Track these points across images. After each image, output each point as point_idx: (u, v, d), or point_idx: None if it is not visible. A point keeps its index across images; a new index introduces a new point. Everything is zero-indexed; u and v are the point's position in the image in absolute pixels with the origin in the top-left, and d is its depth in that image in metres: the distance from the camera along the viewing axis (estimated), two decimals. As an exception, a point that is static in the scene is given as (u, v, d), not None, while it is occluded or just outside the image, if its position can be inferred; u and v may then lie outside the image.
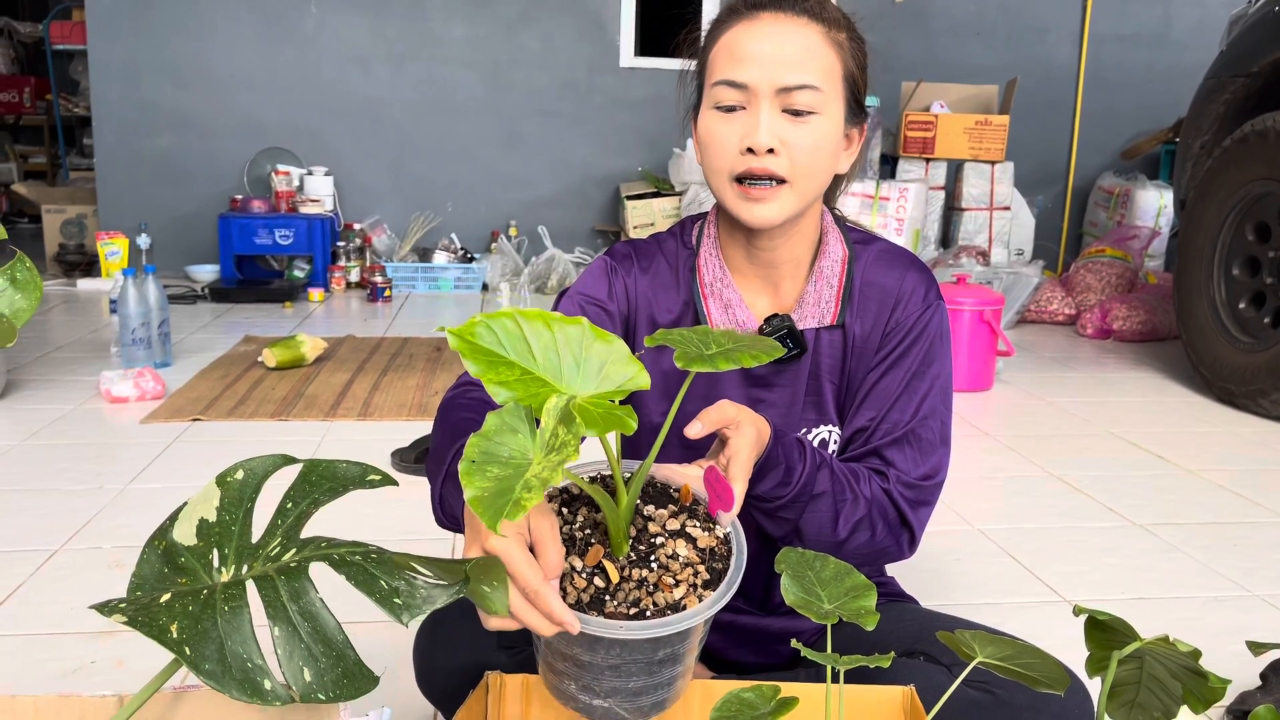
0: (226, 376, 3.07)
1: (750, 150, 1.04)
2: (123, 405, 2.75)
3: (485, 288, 4.84)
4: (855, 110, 1.10)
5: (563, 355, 0.78)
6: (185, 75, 4.91)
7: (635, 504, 0.85)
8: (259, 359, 3.24)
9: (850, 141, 1.12)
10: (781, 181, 1.05)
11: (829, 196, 1.20)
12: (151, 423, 2.61)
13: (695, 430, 0.89)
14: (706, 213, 1.21)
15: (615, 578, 0.82)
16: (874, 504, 1.10)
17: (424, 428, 2.57)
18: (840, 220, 1.21)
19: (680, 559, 0.84)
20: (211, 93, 4.95)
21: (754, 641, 1.26)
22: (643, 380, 0.78)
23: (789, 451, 1.00)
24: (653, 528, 0.86)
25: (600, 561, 0.82)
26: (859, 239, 1.20)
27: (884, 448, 1.14)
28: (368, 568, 0.79)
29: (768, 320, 1.14)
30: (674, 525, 0.87)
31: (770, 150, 1.03)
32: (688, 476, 0.91)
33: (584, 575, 0.83)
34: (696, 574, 0.83)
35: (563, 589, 0.81)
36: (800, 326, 1.14)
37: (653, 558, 0.84)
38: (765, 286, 1.17)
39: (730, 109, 1.05)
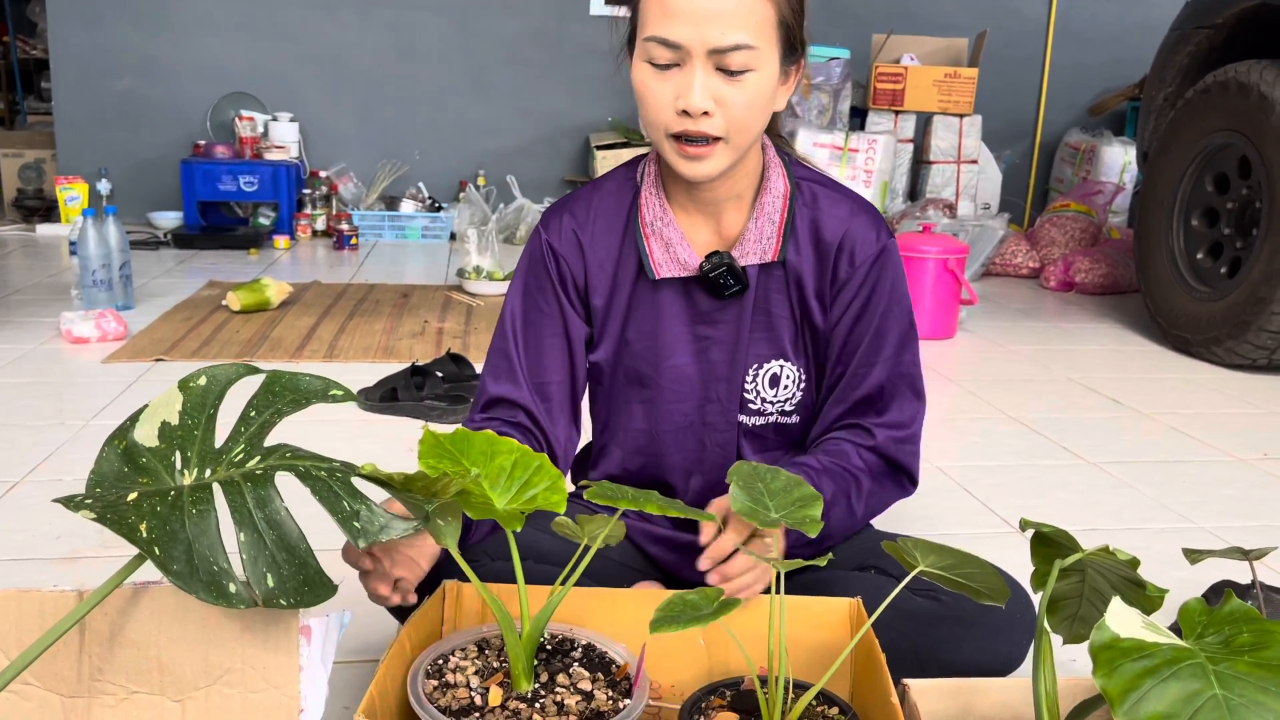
0: (190, 319, 3.05)
1: (685, 111, 1.04)
2: (84, 346, 2.73)
3: (453, 237, 4.82)
4: (790, 50, 1.09)
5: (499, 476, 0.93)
6: (146, 17, 4.80)
7: (538, 643, 0.95)
8: (223, 302, 3.21)
9: (788, 77, 1.11)
10: (718, 139, 1.06)
11: (770, 127, 1.19)
12: (113, 363, 2.59)
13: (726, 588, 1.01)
14: (650, 151, 1.21)
15: (495, 701, 0.90)
16: (871, 472, 1.16)
17: (388, 368, 2.57)
18: (782, 151, 1.21)
19: (564, 708, 0.90)
20: (173, 35, 4.85)
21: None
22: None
23: None
24: (562, 679, 0.95)
25: (489, 685, 0.92)
26: (804, 175, 1.20)
27: (871, 396, 1.17)
28: (332, 485, 0.81)
29: (708, 257, 1.16)
30: (586, 686, 0.94)
31: (705, 112, 1.04)
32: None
33: (474, 690, 0.92)
34: None
35: (461, 695, 0.92)
36: (741, 263, 1.16)
37: (540, 702, 0.91)
38: (707, 221, 1.18)
39: (664, 66, 1.04)
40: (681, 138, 1.06)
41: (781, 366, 1.21)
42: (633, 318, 1.21)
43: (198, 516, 0.75)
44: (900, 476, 1.19)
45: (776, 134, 1.22)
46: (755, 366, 1.20)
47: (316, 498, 0.79)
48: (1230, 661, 0.70)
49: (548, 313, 1.20)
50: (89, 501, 0.75)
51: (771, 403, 1.22)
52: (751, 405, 1.22)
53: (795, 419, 1.24)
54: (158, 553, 0.72)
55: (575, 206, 1.21)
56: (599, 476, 1.30)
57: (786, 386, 1.21)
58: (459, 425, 1.25)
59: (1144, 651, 0.71)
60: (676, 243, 1.16)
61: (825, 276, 1.17)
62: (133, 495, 0.76)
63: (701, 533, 1.05)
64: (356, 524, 0.79)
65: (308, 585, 0.77)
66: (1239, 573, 1.55)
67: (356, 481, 0.84)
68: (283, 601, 0.76)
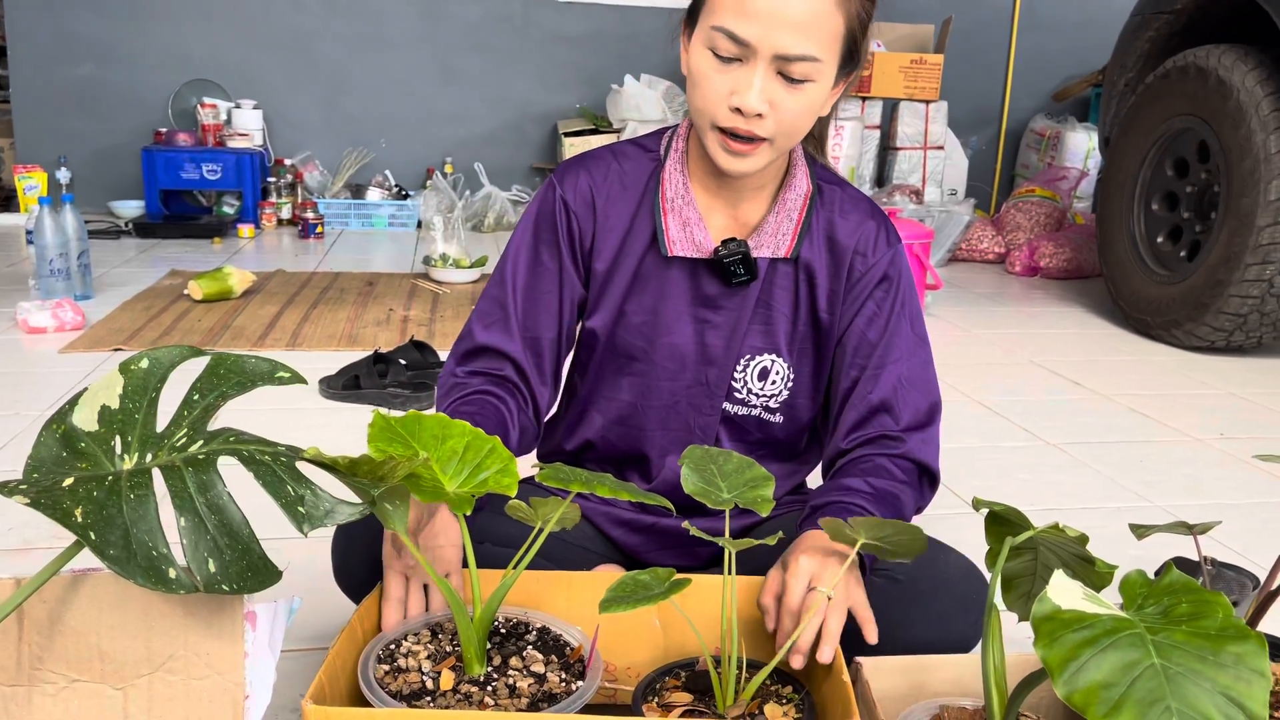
0: (151, 308, 3.01)
1: (739, 109, 1.03)
2: (41, 336, 2.69)
3: (420, 225, 4.78)
4: (848, 62, 1.09)
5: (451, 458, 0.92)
6: (106, 3, 4.72)
7: (491, 626, 0.96)
8: (185, 292, 3.18)
9: (840, 84, 1.11)
10: (764, 140, 1.06)
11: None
12: (71, 353, 2.55)
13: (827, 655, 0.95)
14: (678, 125, 1.21)
15: (446, 685, 0.90)
16: (910, 482, 1.16)
17: (352, 357, 2.55)
18: (809, 155, 1.22)
19: (516, 690, 0.90)
20: (134, 21, 4.77)
21: (677, 544, 1.29)
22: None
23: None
24: (515, 662, 0.94)
25: (440, 669, 0.92)
26: (824, 178, 1.21)
27: (889, 401, 1.17)
28: (276, 470, 0.79)
29: (724, 243, 1.15)
30: (539, 669, 0.94)
31: (759, 114, 1.03)
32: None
33: (426, 675, 0.91)
34: (520, 708, 0.88)
35: (413, 679, 0.92)
36: (755, 254, 1.16)
37: (492, 685, 0.90)
38: (726, 206, 1.18)
39: (726, 60, 1.03)
40: (729, 133, 1.06)
41: (773, 361, 1.21)
42: (635, 290, 1.19)
43: (136, 501, 0.74)
44: (927, 477, 1.20)
45: (809, 134, 1.22)
46: (748, 357, 1.20)
47: (260, 482, 0.78)
48: (1168, 631, 0.71)
49: (550, 268, 1.19)
50: (24, 487, 0.74)
51: (757, 395, 1.22)
52: (738, 394, 1.22)
53: (778, 418, 1.24)
54: (93, 538, 0.71)
55: (594, 166, 1.20)
56: (576, 442, 1.29)
57: (774, 382, 1.21)
58: (439, 375, 1.24)
59: (1084, 622, 0.71)
60: (694, 223, 1.15)
61: (840, 278, 1.18)
62: (69, 480, 0.74)
63: (763, 594, 1.02)
64: (301, 509, 0.78)
65: (251, 571, 0.76)
66: (1191, 550, 1.57)
67: (303, 466, 0.83)
68: (225, 587, 0.75)
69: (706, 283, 1.18)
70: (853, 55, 1.08)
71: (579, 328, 1.25)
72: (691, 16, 1.09)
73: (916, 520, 1.14)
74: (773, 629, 1.00)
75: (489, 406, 1.16)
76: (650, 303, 1.19)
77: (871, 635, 0.97)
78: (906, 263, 1.21)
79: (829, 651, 0.94)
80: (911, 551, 0.95)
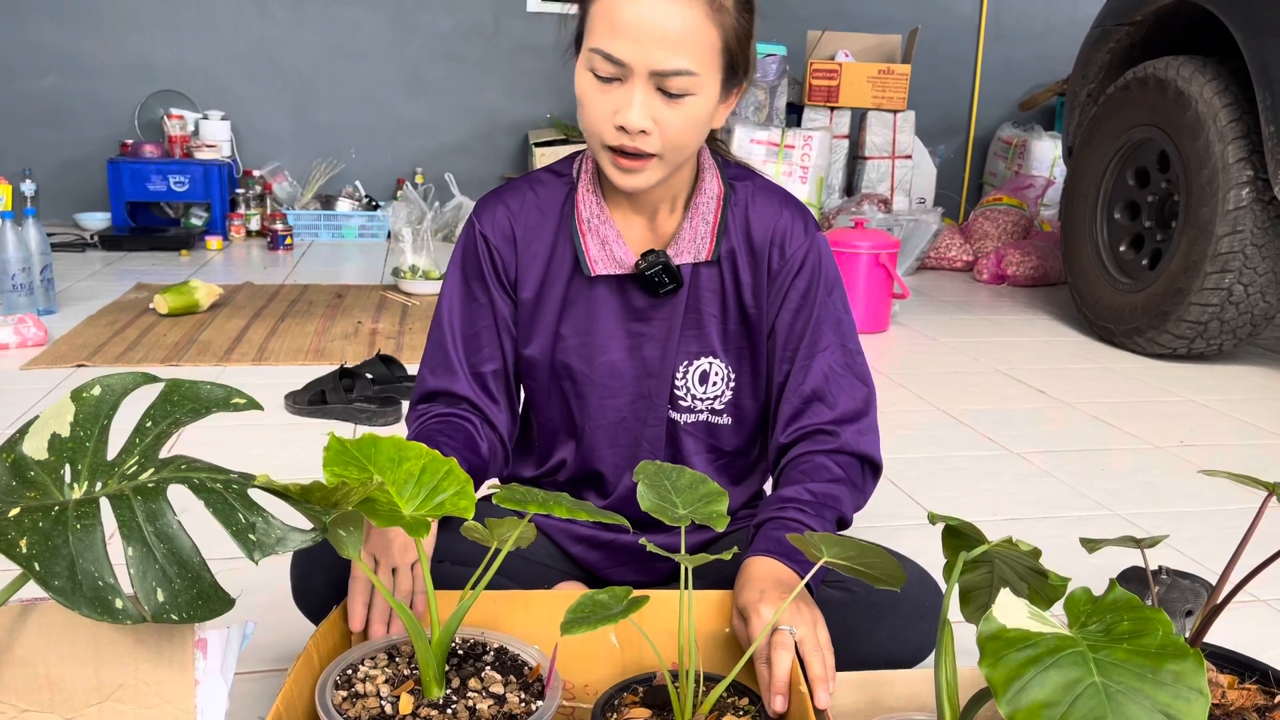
0: (115, 323, 2.98)
1: (622, 127, 1.05)
2: (2, 352, 2.66)
3: (390, 236, 4.77)
4: (732, 75, 1.10)
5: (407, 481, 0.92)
6: (70, 13, 4.68)
7: (449, 648, 0.95)
8: (150, 305, 3.15)
9: (729, 96, 1.12)
10: (652, 155, 1.07)
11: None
12: (33, 369, 2.52)
13: (779, 705, 0.94)
14: (586, 148, 1.21)
15: (405, 709, 0.90)
16: (849, 478, 1.17)
17: (319, 371, 2.54)
18: (717, 153, 1.23)
19: (476, 713, 0.90)
20: (98, 32, 4.73)
21: (635, 560, 1.30)
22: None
23: (797, 557, 1.06)
24: (474, 683, 0.94)
25: (399, 694, 0.92)
26: (735, 175, 1.22)
27: (818, 389, 1.18)
28: (227, 498, 0.79)
29: (643, 256, 1.17)
30: (498, 690, 0.94)
31: (643, 130, 1.05)
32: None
33: (384, 699, 0.91)
34: None
35: (371, 705, 0.91)
36: (676, 262, 1.17)
37: (451, 707, 0.91)
38: (642, 219, 1.20)
39: (606, 80, 1.05)
40: (618, 150, 1.07)
41: (710, 363, 1.22)
42: (567, 313, 1.21)
43: (82, 531, 0.73)
44: (865, 468, 1.21)
45: (712, 136, 1.23)
46: (685, 363, 1.22)
47: (210, 510, 0.78)
48: (1110, 649, 0.72)
49: (483, 302, 1.21)
50: (-32, 517, 0.73)
51: (701, 399, 1.23)
52: (682, 402, 1.23)
53: (726, 419, 1.25)
54: (38, 569, 0.70)
55: (510, 198, 1.21)
56: (535, 470, 1.31)
57: (715, 384, 1.23)
58: (405, 417, 1.26)
59: (1028, 641, 0.72)
60: (613, 240, 1.17)
61: (760, 273, 1.19)
62: (14, 511, 0.74)
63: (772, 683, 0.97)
64: (252, 536, 0.78)
65: (202, 599, 0.76)
66: (1150, 559, 1.60)
67: (256, 492, 0.83)
68: (174, 616, 0.74)
69: (634, 297, 1.20)
70: (734, 68, 1.09)
71: (518, 357, 1.26)
72: (577, 40, 1.10)
73: (878, 522, 1.15)
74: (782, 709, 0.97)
75: (455, 424, 1.19)
76: (582, 324, 1.21)
77: (822, 699, 0.94)
78: (827, 249, 1.22)
79: (823, 697, 0.93)
80: (889, 580, 0.96)
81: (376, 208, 4.86)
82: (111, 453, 0.86)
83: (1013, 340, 3.25)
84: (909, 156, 4.87)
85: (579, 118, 1.11)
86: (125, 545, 0.74)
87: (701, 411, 1.24)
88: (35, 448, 0.83)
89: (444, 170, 5.00)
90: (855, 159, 4.91)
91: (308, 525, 0.84)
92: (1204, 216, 2.82)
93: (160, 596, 0.74)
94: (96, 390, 0.88)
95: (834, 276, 1.22)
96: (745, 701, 0.97)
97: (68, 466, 0.83)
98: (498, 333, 1.22)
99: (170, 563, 0.75)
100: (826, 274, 1.20)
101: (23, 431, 0.85)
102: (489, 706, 0.92)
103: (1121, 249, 3.27)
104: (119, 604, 0.72)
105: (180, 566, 0.76)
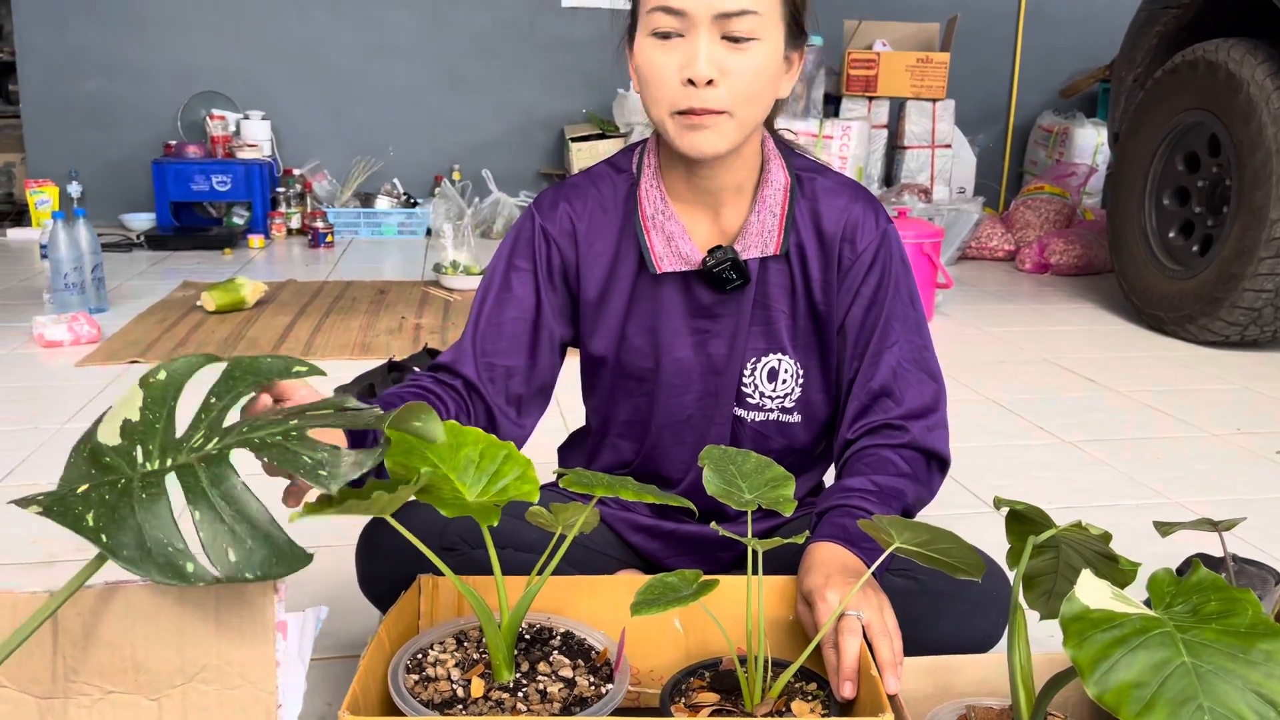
0: (165, 320, 3.02)
1: (690, 82, 1.03)
2: (57, 349, 2.70)
3: (429, 232, 4.80)
4: (795, 33, 1.09)
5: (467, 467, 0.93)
6: (113, 17, 4.75)
7: (517, 633, 0.95)
8: (198, 303, 3.19)
9: (790, 65, 1.11)
10: (722, 113, 1.05)
11: (769, 120, 1.19)
12: (88, 365, 2.57)
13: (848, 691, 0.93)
14: (645, 140, 1.20)
15: (477, 693, 0.90)
16: (914, 474, 1.14)
17: (365, 366, 2.56)
18: (783, 145, 1.21)
19: (548, 696, 0.90)
20: (142, 35, 4.80)
21: (697, 550, 1.29)
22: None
23: (863, 540, 1.04)
24: (543, 667, 0.95)
25: (470, 678, 0.92)
26: (802, 166, 1.20)
27: (886, 384, 1.16)
28: (289, 445, 0.79)
29: (711, 252, 1.14)
30: (567, 674, 0.94)
31: (710, 81, 1.03)
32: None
33: (456, 683, 0.91)
34: (553, 713, 0.89)
35: (443, 688, 0.92)
36: (744, 257, 1.15)
37: (522, 691, 0.91)
38: (706, 214, 1.17)
39: (666, 35, 1.03)
40: (687, 113, 1.05)
41: (779, 360, 1.20)
42: (632, 312, 1.19)
43: (148, 501, 0.74)
44: (932, 463, 1.18)
45: (773, 129, 1.21)
46: (753, 360, 1.19)
47: (275, 463, 0.78)
48: (1198, 630, 0.71)
49: (520, 296, 1.18)
50: (40, 497, 0.75)
51: (770, 398, 1.21)
52: (750, 400, 1.21)
53: (797, 418, 1.22)
54: (105, 539, 0.71)
55: (572, 195, 1.19)
56: (599, 470, 1.30)
57: (785, 381, 1.20)
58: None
59: (1113, 622, 0.71)
60: (678, 236, 1.14)
61: (831, 267, 1.17)
62: (83, 487, 0.75)
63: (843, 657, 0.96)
64: (323, 472, 0.77)
65: (275, 557, 0.75)
66: (1212, 546, 1.57)
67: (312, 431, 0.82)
68: (248, 575, 0.74)
69: (700, 294, 1.17)
70: (797, 20, 1.08)
71: (581, 355, 1.25)
72: (631, 25, 1.10)
73: (929, 510, 1.14)
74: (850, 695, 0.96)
75: (425, 391, 1.16)
76: (648, 322, 1.19)
77: (891, 684, 0.93)
78: (899, 242, 1.19)
79: (892, 683, 0.93)
80: (959, 563, 0.94)
81: (415, 205, 4.89)
82: (179, 431, 0.87)
83: (1059, 329, 3.21)
84: (948, 146, 4.83)
85: (643, 101, 1.10)
86: (192, 510, 0.75)
87: (771, 410, 1.21)
88: (109, 434, 0.84)
89: (481, 167, 5.02)
90: (894, 149, 4.87)
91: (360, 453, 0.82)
92: (1258, 201, 2.76)
93: (232, 556, 0.74)
94: (162, 375, 0.89)
95: (905, 270, 1.19)
96: (814, 687, 0.97)
97: (139, 448, 0.84)
98: (528, 331, 1.18)
99: (238, 522, 0.75)
100: (898, 268, 1.17)
101: (97, 423, 0.86)
102: (559, 690, 0.92)
103: (1171, 235, 3.21)
104: (190, 567, 0.72)
105: (250, 525, 0.75)
